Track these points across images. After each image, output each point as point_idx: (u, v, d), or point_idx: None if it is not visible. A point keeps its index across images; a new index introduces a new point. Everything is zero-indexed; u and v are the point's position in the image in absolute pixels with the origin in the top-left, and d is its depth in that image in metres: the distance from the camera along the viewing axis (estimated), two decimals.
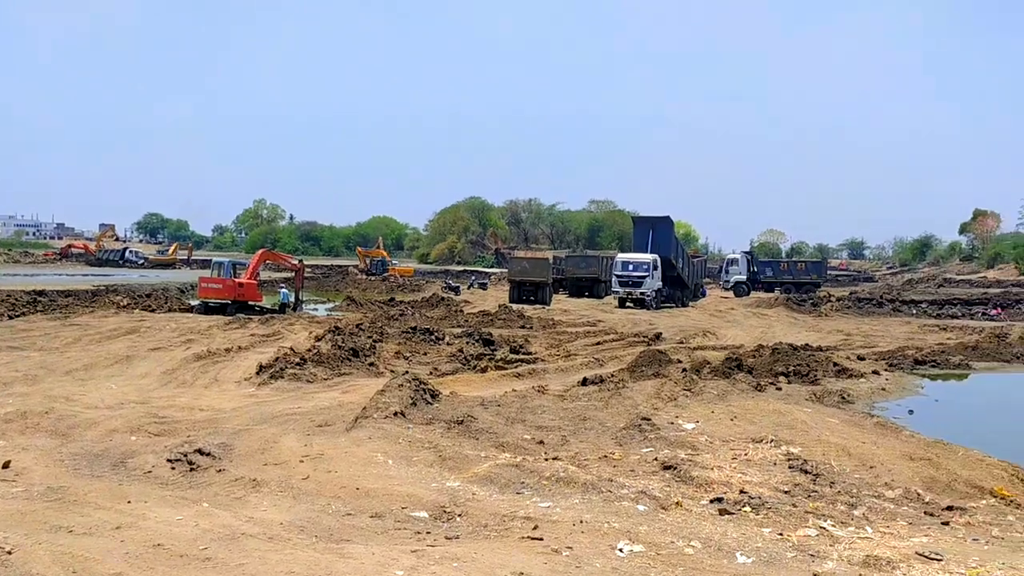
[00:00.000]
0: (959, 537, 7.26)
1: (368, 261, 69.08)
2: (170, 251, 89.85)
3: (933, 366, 21.49)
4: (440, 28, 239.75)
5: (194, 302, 32.70)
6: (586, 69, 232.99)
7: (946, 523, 7.80)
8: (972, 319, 36.76)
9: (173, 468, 8.47)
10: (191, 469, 8.46)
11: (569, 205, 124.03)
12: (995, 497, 9.37)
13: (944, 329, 31.35)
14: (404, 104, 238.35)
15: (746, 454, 9.90)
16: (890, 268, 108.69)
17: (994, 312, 38.47)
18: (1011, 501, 9.27)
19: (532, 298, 40.31)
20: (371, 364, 17.66)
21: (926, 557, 6.22)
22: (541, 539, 6.20)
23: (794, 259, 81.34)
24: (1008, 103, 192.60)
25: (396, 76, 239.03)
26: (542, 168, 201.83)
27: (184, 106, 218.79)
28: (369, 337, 20.87)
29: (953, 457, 10.94)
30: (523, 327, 27.47)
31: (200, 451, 8.93)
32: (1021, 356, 23.44)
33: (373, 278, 62.58)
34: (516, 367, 18.22)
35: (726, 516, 7.19)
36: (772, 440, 10.64)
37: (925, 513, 8.18)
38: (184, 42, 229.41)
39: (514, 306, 35.02)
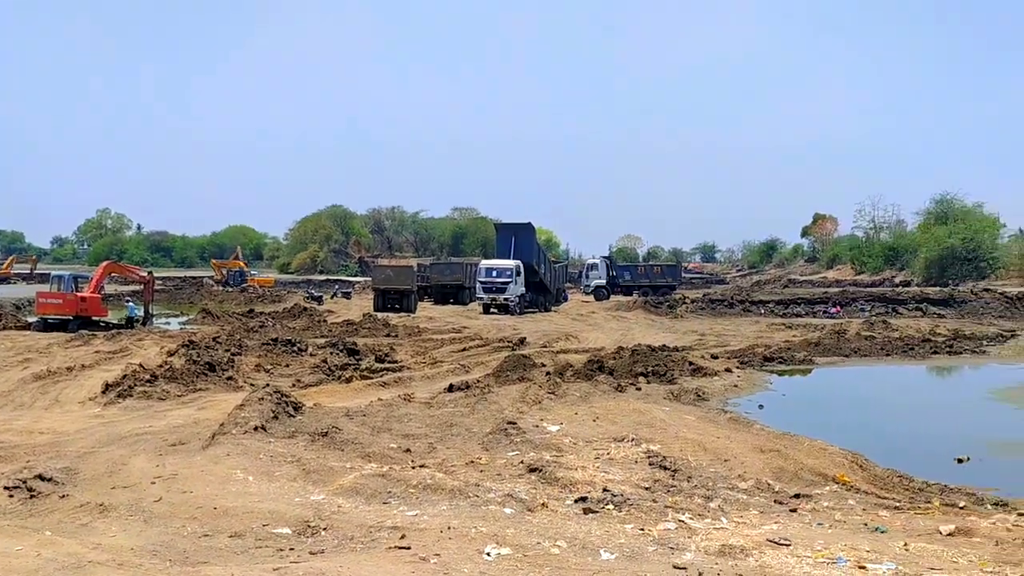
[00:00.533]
0: (806, 523, 7.70)
1: (225, 272, 66.58)
2: (4, 264, 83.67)
3: (780, 362, 22.74)
4: (290, 34, 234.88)
5: (32, 319, 30.57)
6: (445, 76, 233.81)
7: (794, 510, 8.26)
8: (814, 317, 39.15)
9: (11, 496, 7.87)
10: (31, 496, 7.89)
11: (432, 212, 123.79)
12: (837, 483, 10.01)
13: (790, 327, 33.22)
14: (260, 111, 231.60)
15: (609, 453, 10.15)
16: (739, 270, 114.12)
17: (834, 310, 41.09)
18: (851, 487, 9.92)
19: (397, 306, 39.98)
20: (229, 378, 17.04)
21: (776, 543, 6.55)
22: (409, 548, 6.14)
23: (651, 263, 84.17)
24: (844, 111, 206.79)
25: (253, 82, 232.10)
26: (404, 176, 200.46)
27: (14, 106, 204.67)
28: (227, 350, 20.12)
29: (799, 448, 11.60)
30: (388, 335, 27.19)
31: (41, 476, 8.33)
32: (858, 351, 25.14)
33: (231, 289, 60.34)
34: (382, 376, 18.02)
35: (590, 515, 7.34)
36: (633, 439, 10.95)
37: (775, 502, 8.63)
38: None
39: (379, 315, 34.60)
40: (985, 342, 27.83)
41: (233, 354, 19.55)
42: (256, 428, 10.48)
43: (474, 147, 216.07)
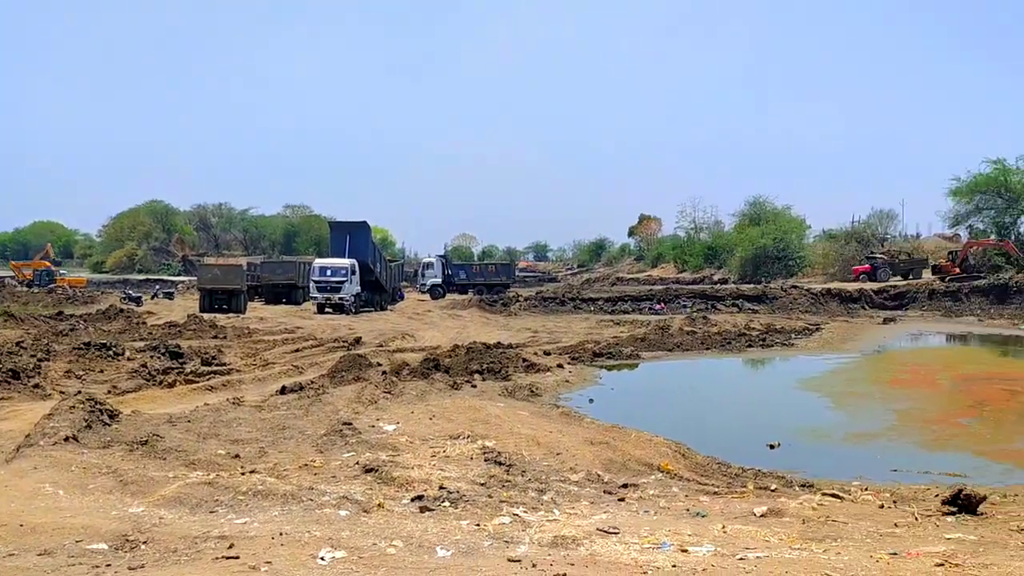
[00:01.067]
0: (633, 511, 8.02)
1: (30, 273, 61.57)
2: None
3: (609, 358, 23.61)
4: (113, 28, 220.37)
5: None
6: (276, 70, 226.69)
7: (622, 499, 8.59)
8: (640, 314, 40.92)
9: None
10: None
11: (263, 210, 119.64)
12: (662, 472, 10.49)
13: (618, 324, 34.56)
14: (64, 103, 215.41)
15: (445, 451, 10.18)
16: (569, 269, 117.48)
17: (658, 307, 43.10)
18: (675, 475, 10.43)
19: (225, 306, 38.43)
20: (36, 386, 15.75)
21: (605, 532, 6.79)
22: (237, 557, 5.90)
23: (486, 262, 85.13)
24: (665, 117, 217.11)
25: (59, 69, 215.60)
26: (232, 172, 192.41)
27: None
28: (32, 356, 18.57)
29: (627, 439, 12.08)
30: (216, 337, 26.04)
31: None
32: (681, 345, 26.48)
33: (37, 290, 55.89)
34: (208, 379, 17.25)
35: (427, 513, 7.33)
36: (469, 436, 11.04)
37: (604, 492, 8.94)
38: None
39: (205, 316, 33.09)
40: (794, 335, 30.01)
41: (40, 360, 18.07)
42: (67, 439, 9.74)
43: (307, 144, 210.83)
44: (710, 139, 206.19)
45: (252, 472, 8.74)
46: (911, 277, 51.49)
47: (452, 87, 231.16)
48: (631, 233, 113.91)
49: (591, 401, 16.41)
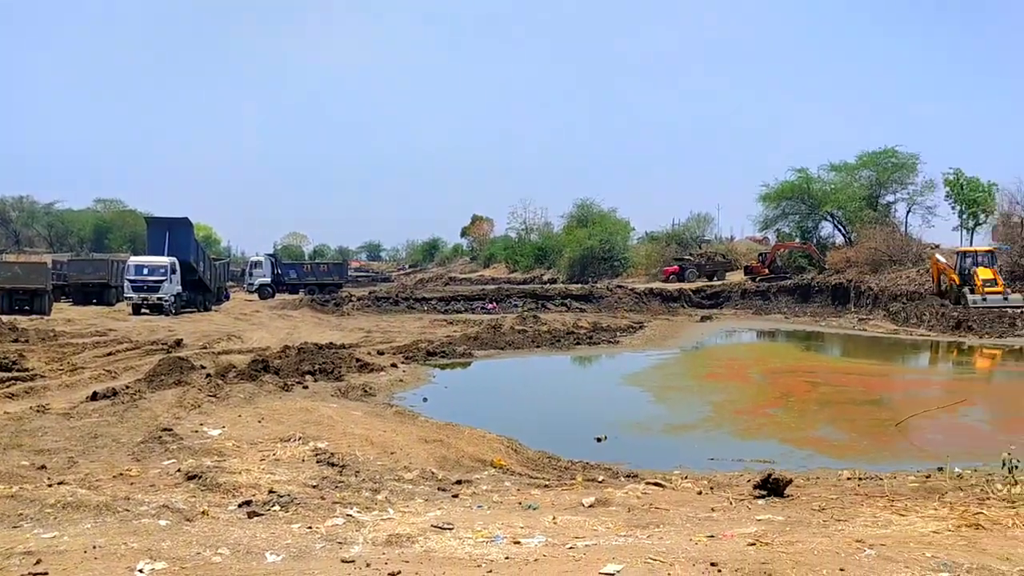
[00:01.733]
0: (467, 506, 8.09)
1: None
2: None
3: (443, 356, 23.68)
4: None
5: None
6: (87, 65, 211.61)
7: (456, 496, 8.64)
8: (473, 313, 41.30)
9: None
10: None
11: (70, 204, 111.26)
12: (495, 468, 10.66)
13: (451, 323, 34.73)
14: None
15: (275, 454, 9.88)
16: (402, 269, 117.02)
17: (490, 306, 43.66)
18: (507, 470, 10.62)
19: (27, 308, 35.43)
20: None
21: (439, 528, 6.81)
22: (46, 574, 5.48)
23: (317, 261, 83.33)
24: (493, 121, 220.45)
25: None
26: (35, 163, 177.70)
27: None
28: None
29: (461, 436, 12.18)
30: (16, 341, 23.94)
31: None
32: (512, 343, 26.95)
33: None
34: (8, 386, 15.84)
35: (255, 518, 7.08)
36: (300, 438, 10.76)
37: (439, 489, 8.96)
38: None
39: (4, 318, 30.40)
40: (619, 333, 31.24)
41: None
42: None
43: (120, 134, 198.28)
44: (541, 142, 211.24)
45: (60, 483, 8.13)
46: (716, 278, 55.11)
47: (282, 89, 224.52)
48: (464, 233, 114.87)
49: (425, 400, 16.41)
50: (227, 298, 48.70)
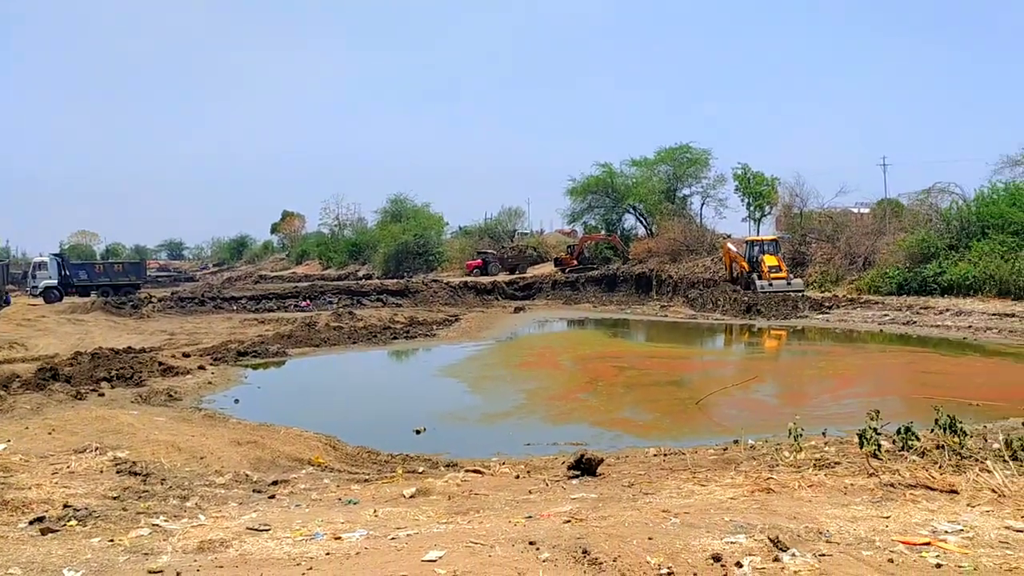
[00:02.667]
0: (284, 506, 7.88)
1: None
2: None
3: (255, 356, 22.86)
4: None
5: None
6: None
7: (273, 496, 8.40)
8: (287, 311, 40.08)
9: None
10: None
11: None
12: (313, 466, 10.44)
13: (263, 322, 33.53)
14: None
15: (69, 467, 9.17)
16: (204, 268, 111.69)
17: (304, 304, 42.52)
18: (326, 467, 10.44)
19: None
20: None
21: (255, 530, 6.60)
22: None
23: (111, 261, 77.76)
24: (305, 120, 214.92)
25: None
26: None
27: None
28: None
29: (276, 436, 11.83)
30: None
31: None
32: (328, 340, 26.43)
33: None
34: None
35: (50, 534, 6.56)
36: (97, 448, 10.05)
37: (254, 491, 8.67)
38: None
39: None
40: (435, 327, 31.38)
41: None
42: None
43: None
44: (351, 140, 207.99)
45: None
46: (518, 271, 56.56)
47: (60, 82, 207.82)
48: (274, 230, 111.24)
49: (237, 401, 15.80)
50: (7, 303, 44.49)
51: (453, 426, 14.31)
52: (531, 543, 5.70)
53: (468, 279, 51.95)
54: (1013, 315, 26.61)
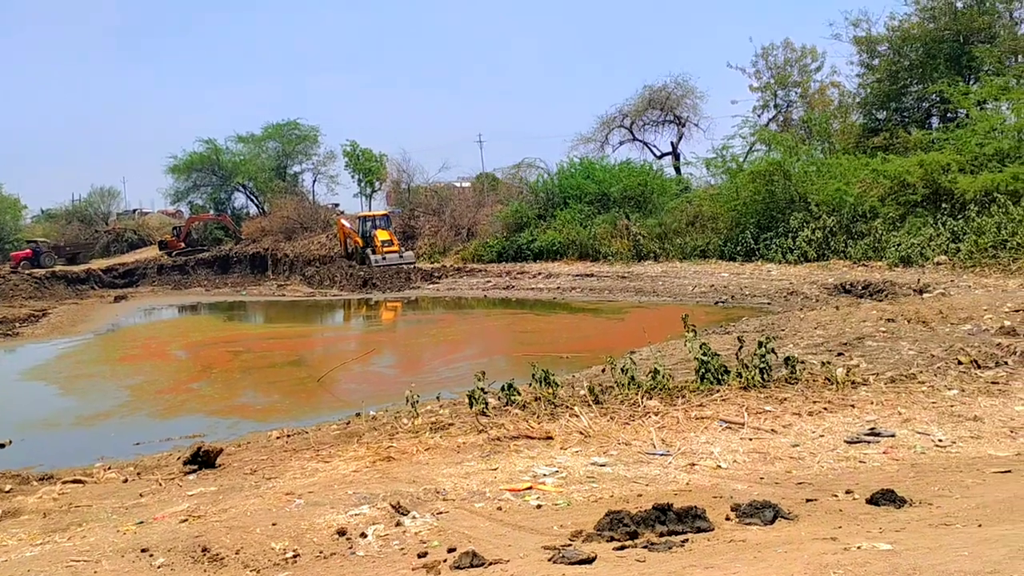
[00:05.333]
0: None
1: None
2: None
3: None
4: None
5: None
6: None
7: None
8: None
9: None
10: None
11: None
12: None
13: None
14: None
15: None
16: None
17: None
18: None
19: None
20: None
21: None
22: None
23: None
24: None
25: None
26: None
27: None
28: None
29: None
30: None
31: None
32: None
33: None
34: None
35: None
36: None
37: None
38: None
39: None
40: (18, 324, 27.68)
41: None
42: None
43: None
44: None
45: None
46: (79, 261, 51.24)
47: None
48: None
49: None
50: None
51: (45, 434, 12.75)
52: (143, 550, 5.29)
53: (56, 269, 46.17)
54: (592, 275, 30.32)
